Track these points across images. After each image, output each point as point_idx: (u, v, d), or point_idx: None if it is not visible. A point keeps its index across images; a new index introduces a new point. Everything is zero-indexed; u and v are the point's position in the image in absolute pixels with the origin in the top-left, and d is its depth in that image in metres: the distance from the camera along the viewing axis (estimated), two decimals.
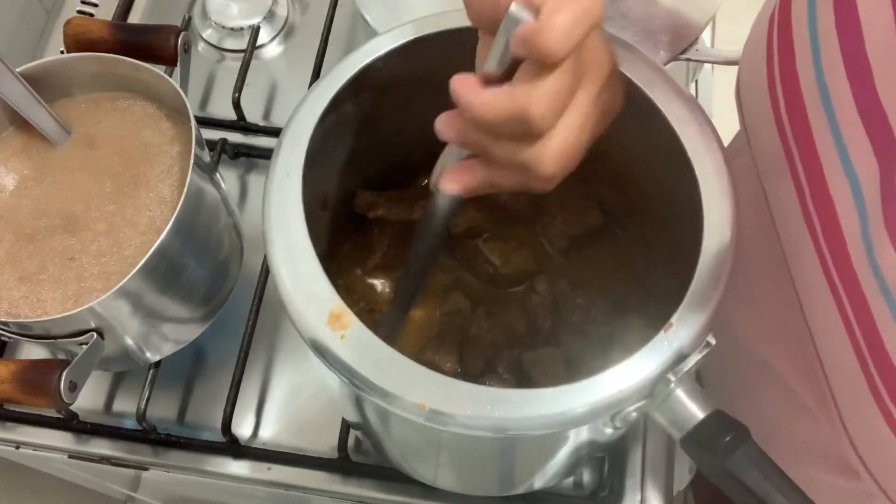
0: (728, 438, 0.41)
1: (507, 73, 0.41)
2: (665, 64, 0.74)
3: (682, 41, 0.73)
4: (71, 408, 0.65)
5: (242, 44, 0.86)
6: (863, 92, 0.44)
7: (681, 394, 0.42)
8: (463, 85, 0.41)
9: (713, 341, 0.43)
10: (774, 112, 0.55)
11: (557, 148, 0.41)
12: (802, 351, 0.57)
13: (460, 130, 0.44)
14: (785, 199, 0.55)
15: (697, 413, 0.42)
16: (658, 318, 0.43)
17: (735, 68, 0.73)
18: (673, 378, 0.42)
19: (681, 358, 0.42)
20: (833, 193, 0.48)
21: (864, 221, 0.45)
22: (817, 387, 0.56)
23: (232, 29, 0.87)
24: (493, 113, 0.40)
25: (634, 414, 0.43)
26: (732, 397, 0.49)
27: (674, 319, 0.43)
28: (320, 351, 0.43)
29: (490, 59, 0.41)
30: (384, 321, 0.60)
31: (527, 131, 0.40)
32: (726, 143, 0.50)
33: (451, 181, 0.45)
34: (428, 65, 0.56)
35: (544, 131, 0.40)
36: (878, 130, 0.44)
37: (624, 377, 0.42)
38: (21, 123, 0.64)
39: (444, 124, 0.44)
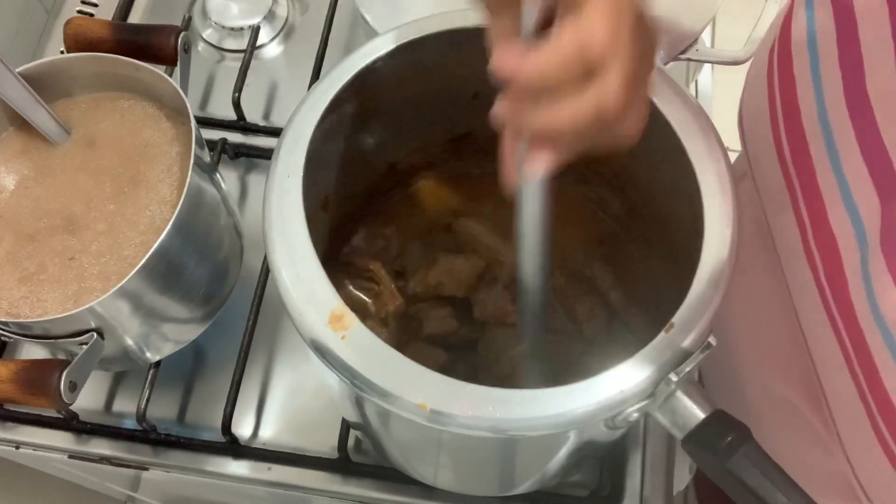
0: (729, 438, 0.41)
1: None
2: (665, 64, 0.74)
3: (681, 41, 0.73)
4: (71, 408, 0.65)
5: (242, 44, 0.86)
6: (865, 129, 0.44)
7: (682, 394, 0.42)
8: (506, 56, 0.37)
9: (714, 342, 0.43)
10: (776, 142, 0.55)
11: (622, 71, 0.36)
12: (810, 379, 0.56)
13: (517, 109, 0.39)
14: (786, 231, 0.54)
15: (698, 413, 0.42)
16: (659, 320, 0.43)
17: (735, 68, 0.73)
18: (674, 378, 0.42)
19: (682, 358, 0.42)
20: (835, 229, 0.48)
21: (865, 258, 0.45)
22: (826, 414, 0.56)
23: (232, 29, 0.87)
24: (550, 65, 0.36)
25: (636, 414, 0.43)
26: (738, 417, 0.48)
27: (675, 320, 0.43)
28: (321, 352, 0.43)
29: (524, 23, 0.38)
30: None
31: (589, 69, 0.36)
32: (726, 144, 0.50)
33: (534, 161, 0.40)
34: (428, 65, 0.56)
35: (607, 60, 0.36)
36: (879, 168, 0.43)
37: (625, 378, 0.42)
38: (21, 124, 0.64)
39: (501, 109, 0.40)
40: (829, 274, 0.49)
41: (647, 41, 0.38)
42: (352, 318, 0.43)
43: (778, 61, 0.54)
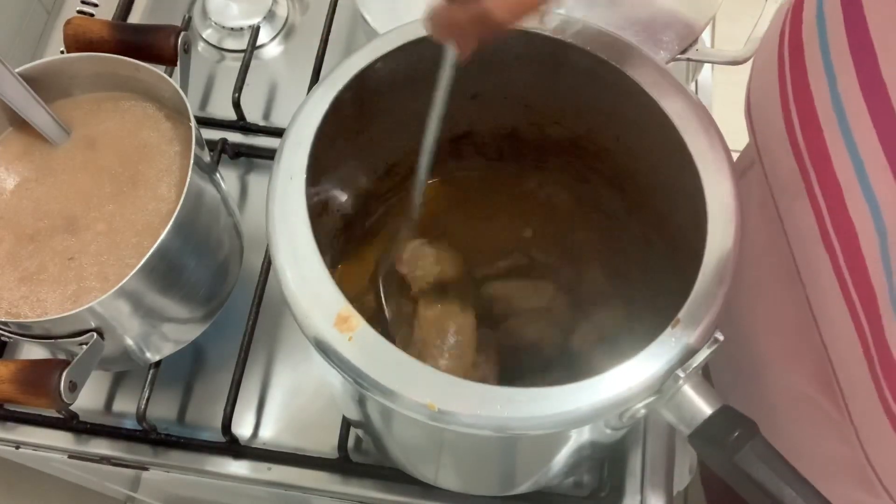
0: (736, 434, 0.41)
1: None
2: (665, 63, 0.74)
3: (682, 41, 0.74)
4: (71, 408, 0.65)
5: (242, 44, 0.86)
6: (881, 114, 0.44)
7: (689, 390, 0.42)
8: None
9: (721, 337, 0.43)
10: (789, 132, 0.55)
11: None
12: (822, 365, 0.56)
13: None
14: (801, 218, 0.54)
15: (705, 409, 0.42)
16: (666, 316, 0.43)
17: (735, 68, 0.73)
18: (682, 374, 0.42)
19: (689, 354, 0.42)
20: (853, 214, 0.48)
21: (884, 241, 0.45)
22: (840, 400, 0.56)
23: (232, 29, 0.87)
24: None
25: (643, 411, 0.43)
26: (751, 412, 0.49)
27: (681, 315, 0.43)
28: (327, 353, 0.43)
29: None
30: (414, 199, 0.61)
31: None
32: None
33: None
34: (428, 66, 0.56)
35: None
36: None
37: (632, 374, 0.42)
38: (21, 124, 0.64)
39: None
40: (847, 256, 0.49)
41: None
42: (359, 320, 0.43)
43: (789, 48, 0.54)
